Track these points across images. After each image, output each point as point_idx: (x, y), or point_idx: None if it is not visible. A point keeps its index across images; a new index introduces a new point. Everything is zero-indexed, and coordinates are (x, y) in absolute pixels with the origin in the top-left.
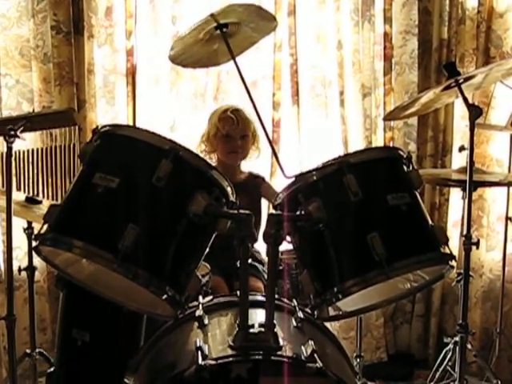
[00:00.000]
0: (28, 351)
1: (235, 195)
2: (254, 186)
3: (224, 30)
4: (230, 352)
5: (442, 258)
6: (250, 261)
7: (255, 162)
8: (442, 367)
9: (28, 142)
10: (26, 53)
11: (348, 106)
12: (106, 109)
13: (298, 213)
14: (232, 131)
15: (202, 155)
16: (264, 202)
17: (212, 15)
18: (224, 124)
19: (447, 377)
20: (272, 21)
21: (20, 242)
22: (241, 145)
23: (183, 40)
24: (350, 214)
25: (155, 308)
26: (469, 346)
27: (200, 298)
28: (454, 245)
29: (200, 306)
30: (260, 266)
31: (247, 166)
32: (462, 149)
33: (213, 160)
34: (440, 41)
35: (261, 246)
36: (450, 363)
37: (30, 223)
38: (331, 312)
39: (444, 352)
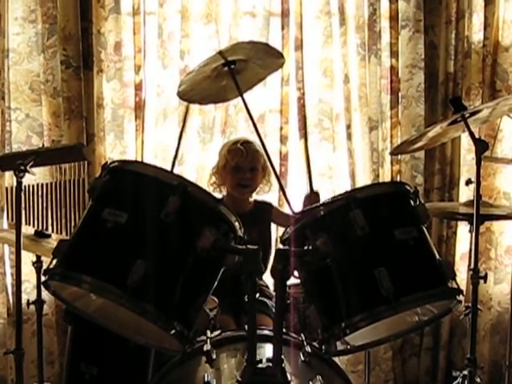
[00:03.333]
0: None
1: (245, 227)
2: (264, 214)
3: (232, 66)
4: None
5: (450, 292)
6: (258, 296)
7: (263, 195)
8: None
9: (37, 176)
10: (36, 87)
11: (355, 139)
12: (115, 143)
13: (305, 248)
14: (241, 163)
15: (212, 188)
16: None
17: (220, 52)
18: (233, 156)
19: None
20: (279, 58)
21: (29, 275)
22: (250, 177)
23: (191, 77)
24: (357, 248)
25: (163, 342)
26: (477, 380)
27: (208, 332)
28: (462, 277)
29: (208, 340)
30: (269, 302)
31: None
32: (468, 182)
33: (223, 193)
34: (446, 74)
35: (269, 281)
36: None
37: (38, 257)
38: (339, 346)
39: None
